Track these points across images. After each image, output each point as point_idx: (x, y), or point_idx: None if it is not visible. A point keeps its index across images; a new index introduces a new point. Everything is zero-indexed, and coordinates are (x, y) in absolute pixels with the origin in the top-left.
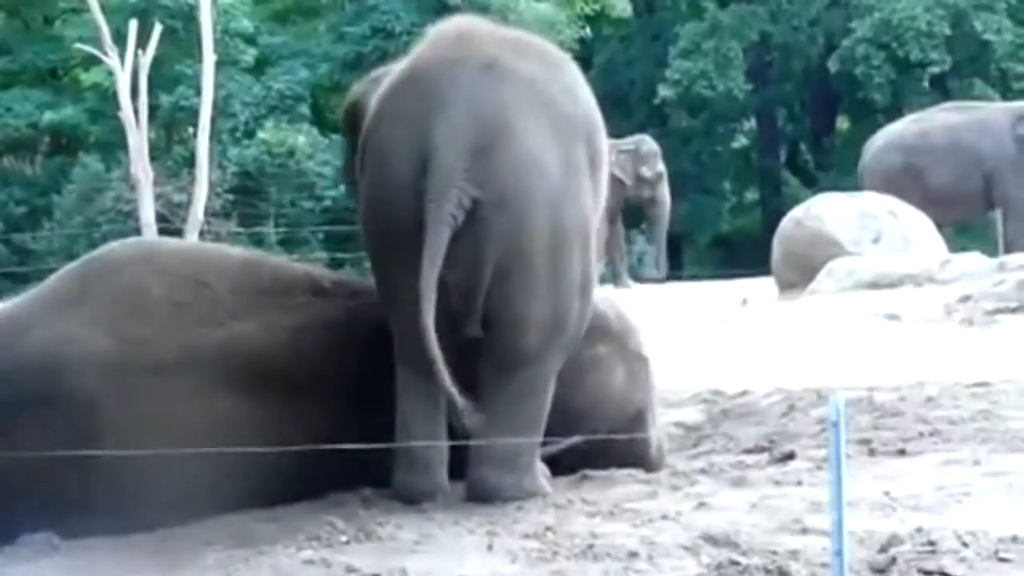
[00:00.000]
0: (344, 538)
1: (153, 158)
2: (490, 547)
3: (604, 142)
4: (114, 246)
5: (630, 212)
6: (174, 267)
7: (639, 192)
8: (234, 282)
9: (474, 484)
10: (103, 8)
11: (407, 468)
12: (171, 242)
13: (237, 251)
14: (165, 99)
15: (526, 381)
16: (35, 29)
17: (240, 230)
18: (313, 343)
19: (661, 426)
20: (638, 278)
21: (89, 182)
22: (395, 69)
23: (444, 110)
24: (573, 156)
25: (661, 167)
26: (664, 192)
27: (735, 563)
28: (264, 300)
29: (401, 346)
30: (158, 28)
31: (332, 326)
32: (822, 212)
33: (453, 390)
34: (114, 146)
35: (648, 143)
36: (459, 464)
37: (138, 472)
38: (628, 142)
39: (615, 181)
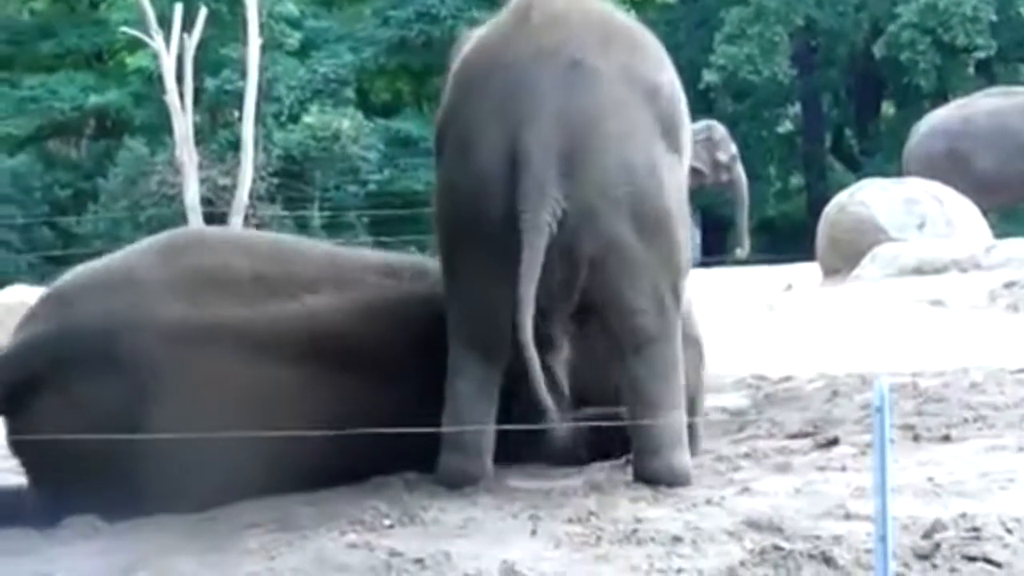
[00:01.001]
0: (388, 522)
1: (198, 142)
2: (534, 532)
3: (685, 113)
4: (201, 228)
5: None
6: (257, 247)
7: (717, 177)
8: (312, 264)
9: (638, 474)
10: None
11: (455, 451)
12: (254, 232)
13: (314, 242)
14: (210, 82)
15: (656, 359)
16: (80, 12)
17: (284, 214)
18: (382, 321)
19: (701, 412)
20: None
21: (134, 165)
22: (483, 36)
23: (535, 114)
24: (659, 144)
25: (734, 148)
26: (739, 171)
27: (779, 548)
28: (339, 281)
29: (459, 327)
30: (203, 11)
31: (400, 305)
32: (867, 198)
33: (548, 400)
34: (159, 129)
35: (719, 128)
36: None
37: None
38: (698, 130)
39: (694, 172)
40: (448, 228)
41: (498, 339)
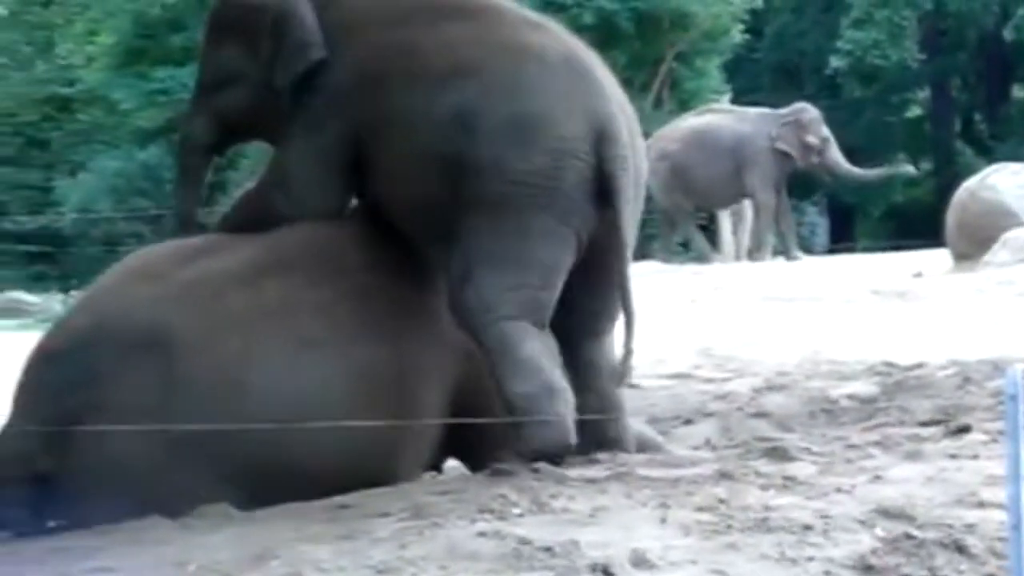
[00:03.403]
0: (517, 510)
1: None
2: (663, 520)
3: None
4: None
5: (799, 183)
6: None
7: (807, 160)
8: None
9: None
10: None
11: (550, 416)
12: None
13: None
14: None
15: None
16: (210, 6)
17: None
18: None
19: None
20: (808, 250)
21: (265, 158)
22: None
23: (610, 98)
24: None
25: (826, 131)
26: (832, 154)
27: (910, 537)
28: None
29: (510, 294)
30: None
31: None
32: (997, 182)
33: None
34: None
35: (808, 111)
36: None
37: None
38: (786, 114)
39: (781, 155)
40: (508, 196)
41: (550, 303)
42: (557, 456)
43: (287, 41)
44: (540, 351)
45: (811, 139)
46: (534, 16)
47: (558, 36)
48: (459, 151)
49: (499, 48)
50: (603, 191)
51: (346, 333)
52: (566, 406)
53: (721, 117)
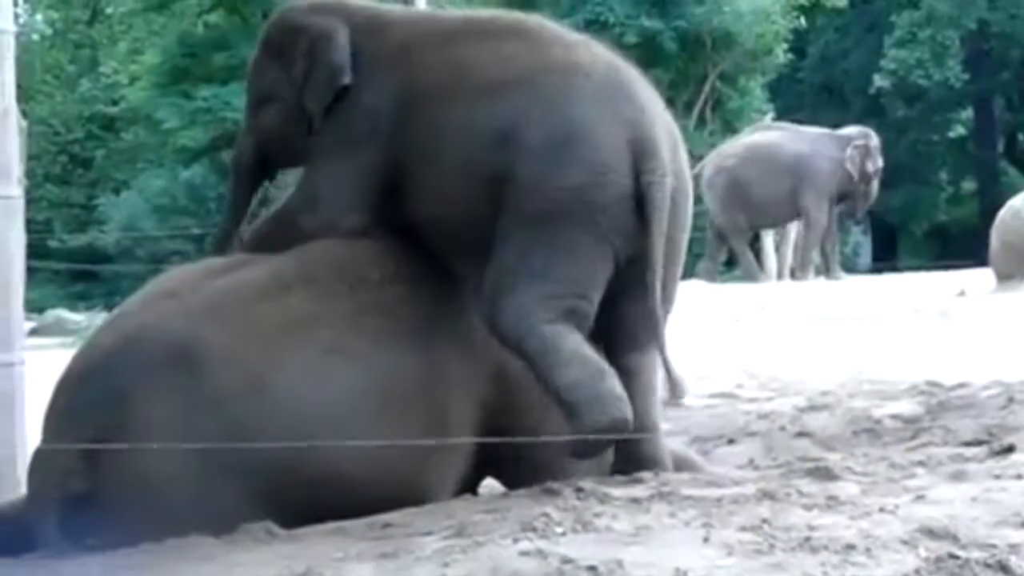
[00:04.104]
0: (560, 529)
1: None
2: (706, 539)
3: None
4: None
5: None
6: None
7: (856, 185)
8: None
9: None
10: None
11: (602, 402)
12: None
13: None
14: None
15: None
16: (253, 24)
17: None
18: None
19: None
20: (852, 269)
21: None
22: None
23: (651, 112)
24: None
25: (881, 161)
26: (874, 187)
27: (954, 557)
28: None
29: (550, 303)
30: None
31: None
32: None
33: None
34: None
35: (874, 137)
36: None
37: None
38: (855, 135)
39: (846, 175)
40: (547, 212)
41: (589, 314)
42: (617, 433)
43: (318, 65)
44: (582, 345)
45: (870, 166)
46: (575, 34)
47: (599, 53)
48: (500, 164)
49: (542, 64)
50: (640, 205)
51: (374, 345)
52: (618, 384)
53: (779, 135)
